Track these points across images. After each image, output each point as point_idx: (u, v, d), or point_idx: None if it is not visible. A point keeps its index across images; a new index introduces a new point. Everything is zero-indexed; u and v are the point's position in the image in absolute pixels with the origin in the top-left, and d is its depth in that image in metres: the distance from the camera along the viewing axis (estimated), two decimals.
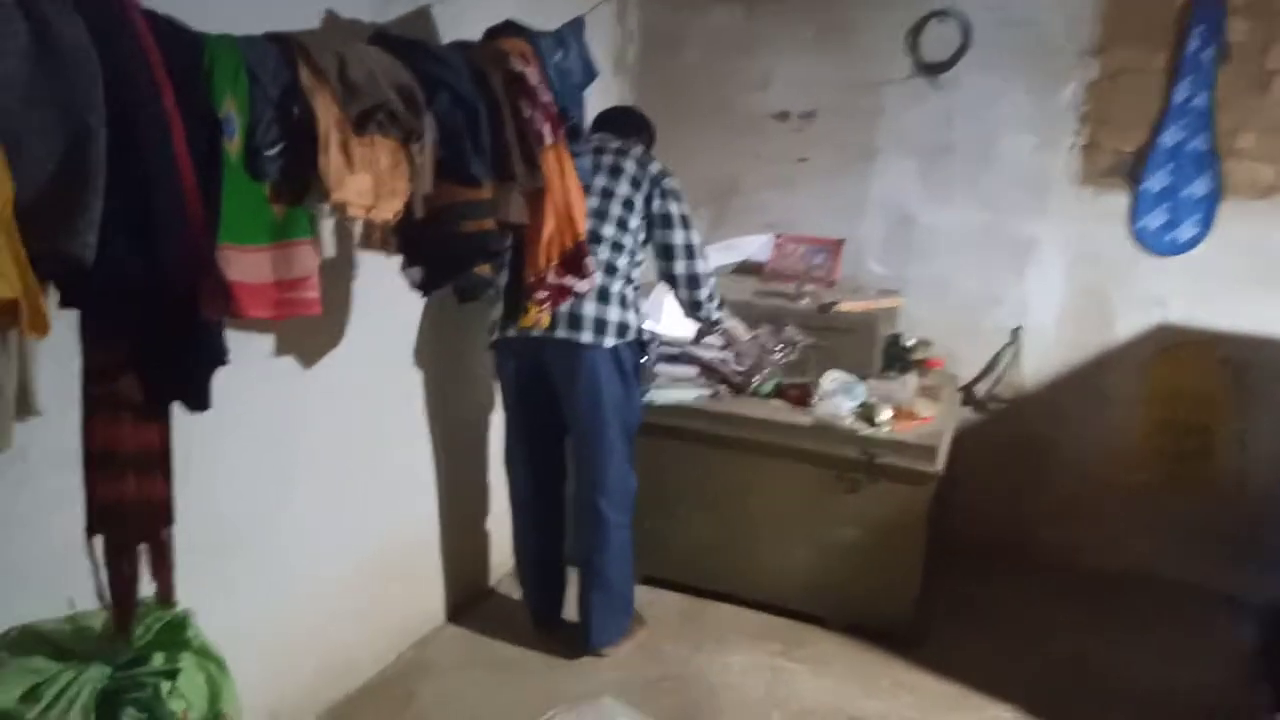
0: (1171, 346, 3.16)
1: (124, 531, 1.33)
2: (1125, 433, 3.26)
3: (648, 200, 2.51)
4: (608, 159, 2.52)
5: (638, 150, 2.58)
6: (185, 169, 1.30)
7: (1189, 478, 3.19)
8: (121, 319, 1.29)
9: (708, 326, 2.80)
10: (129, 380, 1.31)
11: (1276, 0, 2.86)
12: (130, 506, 1.33)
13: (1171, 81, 3.01)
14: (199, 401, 1.37)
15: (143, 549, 1.36)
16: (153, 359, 1.32)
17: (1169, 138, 3.04)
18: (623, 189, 2.49)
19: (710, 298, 2.65)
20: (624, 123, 2.72)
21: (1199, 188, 3.04)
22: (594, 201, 2.45)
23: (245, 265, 1.45)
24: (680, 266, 2.57)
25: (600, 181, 2.48)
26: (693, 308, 2.67)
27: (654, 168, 2.54)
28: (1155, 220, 3.12)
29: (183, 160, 1.29)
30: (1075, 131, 3.16)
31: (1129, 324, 3.22)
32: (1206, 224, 3.06)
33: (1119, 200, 3.15)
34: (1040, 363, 3.35)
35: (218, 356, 1.38)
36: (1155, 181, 3.09)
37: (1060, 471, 3.35)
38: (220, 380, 1.42)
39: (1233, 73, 2.94)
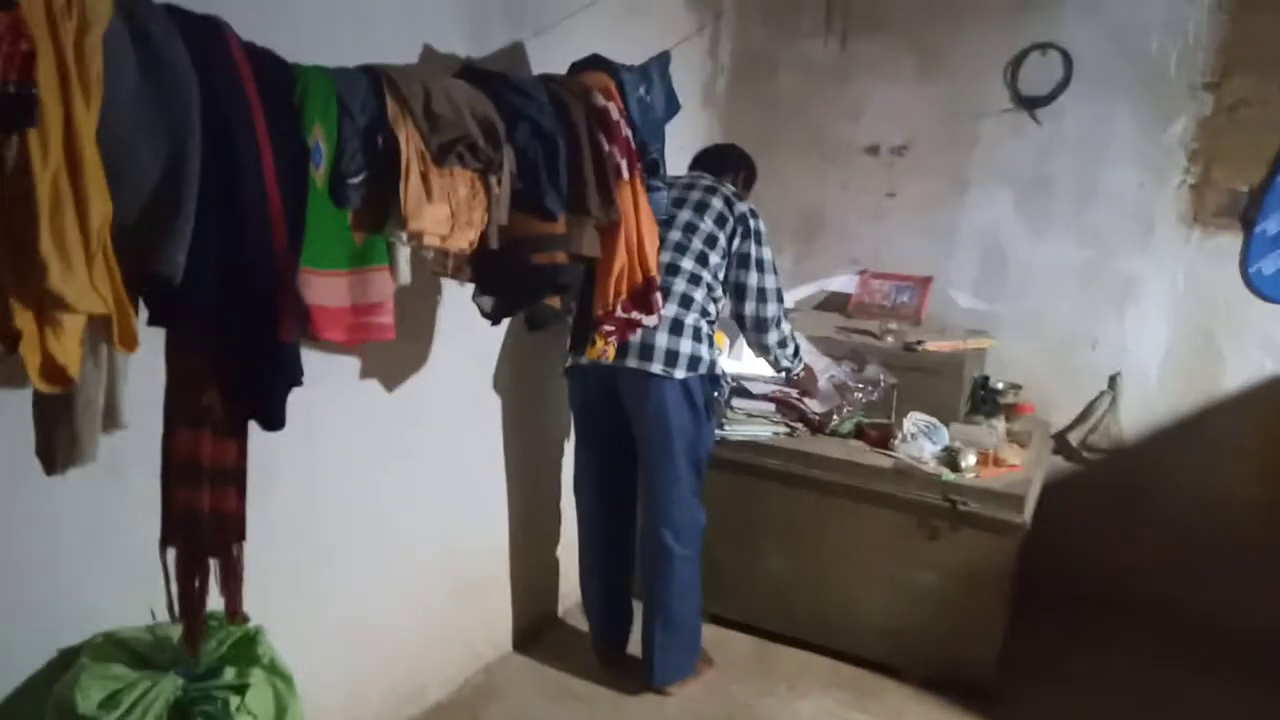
0: None
1: (196, 544, 1.36)
2: (1232, 484, 3.05)
3: (730, 238, 2.50)
4: (695, 194, 2.53)
5: (728, 188, 2.58)
6: (273, 194, 1.34)
7: None
8: (204, 336, 1.33)
9: (782, 375, 2.76)
10: (210, 395, 1.35)
11: None
12: (204, 520, 1.36)
13: None
14: (274, 420, 1.40)
15: (214, 564, 1.39)
16: (232, 376, 1.35)
17: None
18: (706, 224, 2.49)
19: (782, 344, 2.60)
20: (722, 161, 2.73)
21: None
22: (676, 235, 2.46)
23: (323, 289, 1.49)
24: (750, 308, 2.53)
25: (685, 215, 2.49)
26: (760, 350, 2.63)
27: (740, 207, 2.52)
28: (1271, 265, 2.92)
29: (271, 186, 1.34)
30: (1184, 169, 3.01)
31: (1239, 373, 3.02)
32: None
33: (1231, 242, 2.98)
34: (1140, 410, 3.17)
35: (293, 377, 1.40)
36: (1273, 223, 2.90)
37: (1160, 524, 3.14)
38: (303, 402, 1.45)
39: None
